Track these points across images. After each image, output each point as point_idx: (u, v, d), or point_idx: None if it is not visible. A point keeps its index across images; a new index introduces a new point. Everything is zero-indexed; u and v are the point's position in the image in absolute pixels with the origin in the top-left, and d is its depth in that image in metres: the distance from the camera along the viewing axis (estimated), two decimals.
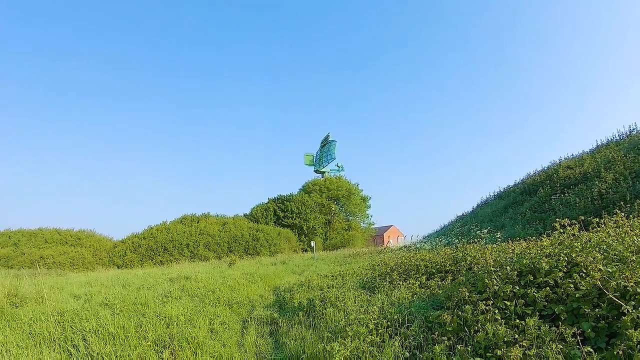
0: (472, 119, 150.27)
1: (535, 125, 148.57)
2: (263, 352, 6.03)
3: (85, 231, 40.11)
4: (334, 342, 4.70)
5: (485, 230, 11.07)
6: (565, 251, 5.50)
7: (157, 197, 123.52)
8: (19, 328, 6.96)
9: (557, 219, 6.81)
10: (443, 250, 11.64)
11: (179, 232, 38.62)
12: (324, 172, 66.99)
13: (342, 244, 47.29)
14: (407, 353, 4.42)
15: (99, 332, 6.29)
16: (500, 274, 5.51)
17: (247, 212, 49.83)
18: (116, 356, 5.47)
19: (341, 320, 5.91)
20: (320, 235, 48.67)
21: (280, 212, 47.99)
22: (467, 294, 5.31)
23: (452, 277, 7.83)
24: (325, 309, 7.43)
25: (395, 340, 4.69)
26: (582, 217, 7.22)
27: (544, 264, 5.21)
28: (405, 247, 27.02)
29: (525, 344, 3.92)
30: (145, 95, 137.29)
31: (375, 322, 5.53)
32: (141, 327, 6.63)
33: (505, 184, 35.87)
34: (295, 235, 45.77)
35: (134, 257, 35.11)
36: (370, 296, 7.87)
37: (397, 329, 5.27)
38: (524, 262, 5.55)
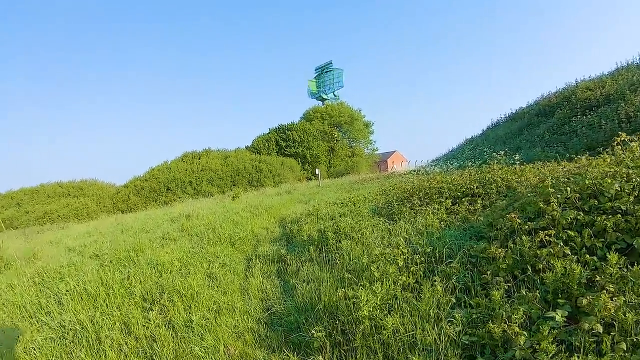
0: (481, 40, 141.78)
1: (547, 45, 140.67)
2: (271, 298, 5.13)
3: (87, 181, 38.92)
4: (359, 288, 3.77)
5: (502, 152, 10.06)
6: (634, 171, 4.41)
7: (157, 138, 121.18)
8: None
9: (596, 138, 5.65)
10: (467, 171, 10.63)
11: (181, 170, 37.67)
12: (325, 99, 64.63)
13: (347, 170, 46.92)
14: (453, 299, 3.47)
15: (76, 292, 5.42)
16: (559, 196, 4.47)
17: (249, 144, 48.73)
18: (92, 323, 4.58)
19: (362, 256, 4.97)
20: (324, 163, 48.04)
21: (282, 142, 46.79)
22: (519, 221, 4.30)
23: (482, 202, 6.85)
24: (340, 242, 6.53)
25: (436, 282, 3.75)
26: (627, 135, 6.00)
27: (614, 186, 4.14)
28: (413, 171, 26.13)
29: (611, 289, 2.98)
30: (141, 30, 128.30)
31: (405, 257, 4.61)
32: (128, 279, 5.77)
33: (515, 105, 34.22)
34: (299, 164, 45.02)
35: (138, 201, 34.51)
36: (390, 225, 6.94)
37: (433, 266, 4.35)
38: (587, 182, 4.48)
